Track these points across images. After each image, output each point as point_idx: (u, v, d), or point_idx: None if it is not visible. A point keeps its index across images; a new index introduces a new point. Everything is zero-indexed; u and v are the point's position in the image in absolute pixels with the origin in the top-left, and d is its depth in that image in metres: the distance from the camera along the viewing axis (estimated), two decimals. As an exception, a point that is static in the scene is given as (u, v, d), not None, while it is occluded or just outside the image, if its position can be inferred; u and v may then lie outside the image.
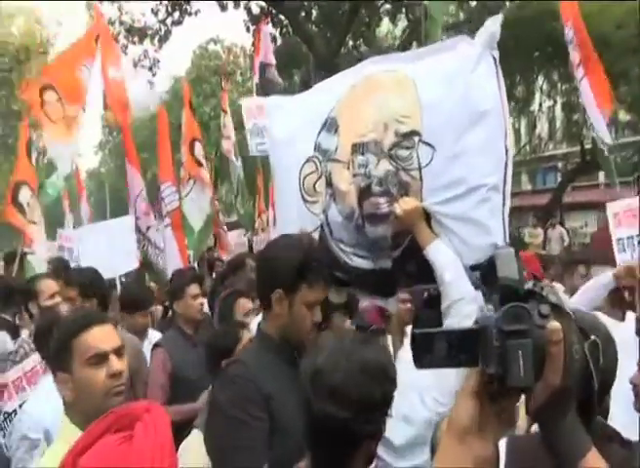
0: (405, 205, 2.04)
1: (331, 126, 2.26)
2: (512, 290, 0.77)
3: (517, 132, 22.02)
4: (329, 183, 2.24)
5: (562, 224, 14.77)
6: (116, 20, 14.26)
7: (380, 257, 2.18)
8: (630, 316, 2.85)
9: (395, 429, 1.83)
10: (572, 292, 3.82)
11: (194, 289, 3.43)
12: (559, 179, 19.35)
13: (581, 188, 20.05)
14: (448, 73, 2.10)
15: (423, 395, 2.04)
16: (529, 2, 13.12)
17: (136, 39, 14.23)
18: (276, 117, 2.56)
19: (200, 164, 6.30)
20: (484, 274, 1.57)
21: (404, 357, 2.02)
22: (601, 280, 2.79)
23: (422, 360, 0.75)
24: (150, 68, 14.95)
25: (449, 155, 2.03)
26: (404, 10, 14.14)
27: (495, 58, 2.08)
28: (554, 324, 0.71)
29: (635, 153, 16.48)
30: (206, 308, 3.74)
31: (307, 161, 2.30)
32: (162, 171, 6.01)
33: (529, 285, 0.78)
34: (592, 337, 1.25)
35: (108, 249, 4.60)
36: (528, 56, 14.50)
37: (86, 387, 1.50)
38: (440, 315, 1.95)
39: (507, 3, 13.93)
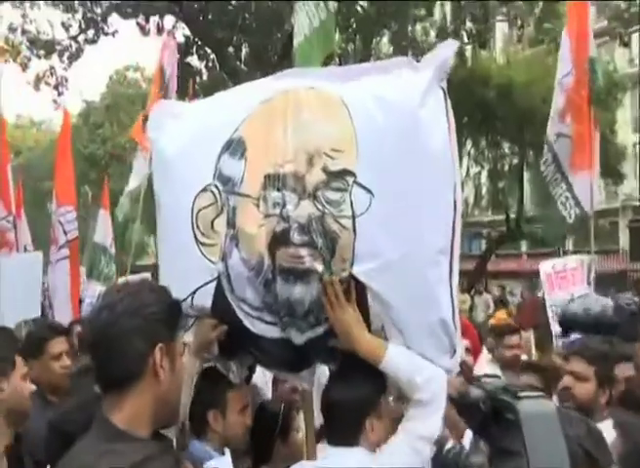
0: (340, 313, 1.74)
1: (236, 148, 1.91)
2: None
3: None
4: (231, 223, 1.89)
5: (488, 292, 15.27)
6: (18, 28, 13.31)
7: (291, 326, 1.84)
8: None
9: None
10: (500, 361, 4.07)
11: (58, 345, 2.78)
12: (484, 246, 20.12)
13: (505, 256, 20.98)
14: (390, 101, 1.80)
15: None
16: (460, 65, 13.71)
17: (41, 53, 13.29)
18: (166, 126, 2.12)
19: None
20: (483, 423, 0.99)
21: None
22: None
23: None
24: (57, 87, 14.03)
25: (391, 203, 1.74)
26: (337, 58, 14.40)
27: (444, 92, 1.83)
28: None
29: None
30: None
31: (204, 190, 1.93)
32: (60, 191, 5.36)
33: None
34: None
35: (11, 289, 4.02)
36: (457, 121, 14.93)
37: None
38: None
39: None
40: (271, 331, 1.87)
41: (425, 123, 1.77)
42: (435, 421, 1.68)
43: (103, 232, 6.55)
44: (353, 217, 1.75)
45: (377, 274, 1.73)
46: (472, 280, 15.02)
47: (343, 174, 1.77)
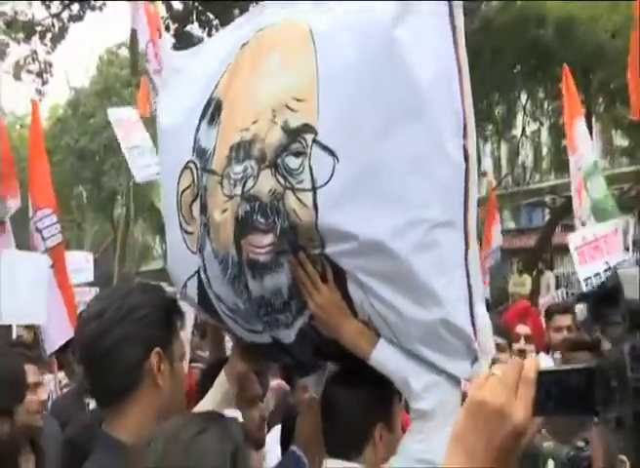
0: (317, 297, 1.62)
1: (212, 112, 1.81)
2: None
3: (497, 160, 22.50)
4: (203, 208, 1.81)
5: (551, 270, 14.75)
6: None
7: (275, 325, 1.74)
8: None
9: None
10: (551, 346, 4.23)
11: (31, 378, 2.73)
12: (547, 217, 19.36)
13: (573, 227, 19.77)
14: (356, 24, 1.56)
15: None
16: (509, 3, 13.08)
17: (20, 36, 13.12)
18: (170, 84, 2.10)
19: None
20: (595, 303, 1.34)
21: None
22: None
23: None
24: (40, 74, 13.71)
25: (362, 166, 1.53)
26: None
27: None
28: None
29: (634, 186, 16.14)
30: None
31: (185, 167, 1.87)
32: (36, 194, 5.17)
33: None
34: None
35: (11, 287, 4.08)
36: (508, 69, 14.43)
37: None
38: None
39: (483, 5, 13.64)
40: (256, 338, 1.81)
41: (406, 47, 1.51)
42: (438, 441, 1.46)
43: None
44: (314, 190, 1.55)
45: (352, 257, 1.56)
46: (534, 257, 14.31)
47: (302, 131, 1.58)
